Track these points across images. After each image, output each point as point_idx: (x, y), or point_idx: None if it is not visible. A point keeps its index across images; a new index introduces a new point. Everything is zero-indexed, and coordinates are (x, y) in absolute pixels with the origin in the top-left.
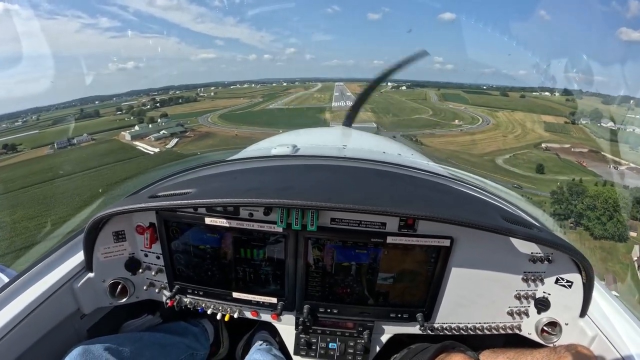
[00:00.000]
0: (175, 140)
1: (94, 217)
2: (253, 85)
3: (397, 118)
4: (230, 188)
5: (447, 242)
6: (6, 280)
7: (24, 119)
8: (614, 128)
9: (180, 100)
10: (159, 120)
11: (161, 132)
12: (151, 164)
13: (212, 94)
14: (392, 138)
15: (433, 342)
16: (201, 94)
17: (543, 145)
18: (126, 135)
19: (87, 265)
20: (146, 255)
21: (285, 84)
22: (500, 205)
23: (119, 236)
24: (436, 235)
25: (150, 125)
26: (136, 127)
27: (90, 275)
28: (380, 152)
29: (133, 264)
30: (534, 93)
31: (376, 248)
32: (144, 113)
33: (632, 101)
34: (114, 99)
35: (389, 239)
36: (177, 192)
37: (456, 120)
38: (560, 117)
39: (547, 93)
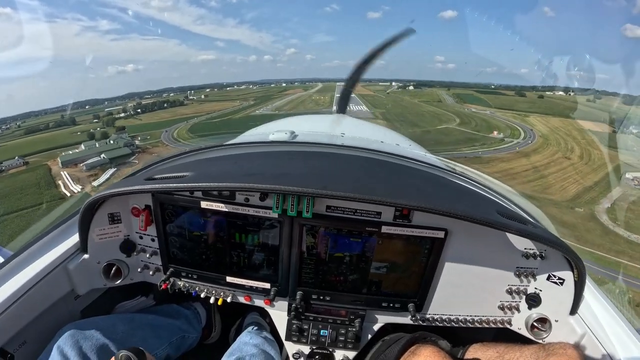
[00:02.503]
0: (110, 172)
1: (90, 199)
2: (251, 86)
3: (419, 129)
4: (227, 172)
5: (441, 234)
6: (1, 260)
7: (7, 126)
8: None
9: (165, 105)
10: (113, 136)
11: (101, 157)
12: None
13: (203, 96)
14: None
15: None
16: (190, 97)
17: (629, 175)
18: (59, 161)
19: (82, 246)
20: (141, 238)
21: (284, 84)
22: (496, 199)
23: (115, 218)
24: (431, 227)
25: (97, 144)
26: (82, 147)
27: (85, 256)
28: (378, 141)
29: (128, 246)
30: (547, 92)
31: (371, 237)
32: (112, 123)
33: None
34: (106, 102)
35: (384, 228)
36: (173, 175)
37: (495, 132)
38: (600, 124)
39: (561, 92)
